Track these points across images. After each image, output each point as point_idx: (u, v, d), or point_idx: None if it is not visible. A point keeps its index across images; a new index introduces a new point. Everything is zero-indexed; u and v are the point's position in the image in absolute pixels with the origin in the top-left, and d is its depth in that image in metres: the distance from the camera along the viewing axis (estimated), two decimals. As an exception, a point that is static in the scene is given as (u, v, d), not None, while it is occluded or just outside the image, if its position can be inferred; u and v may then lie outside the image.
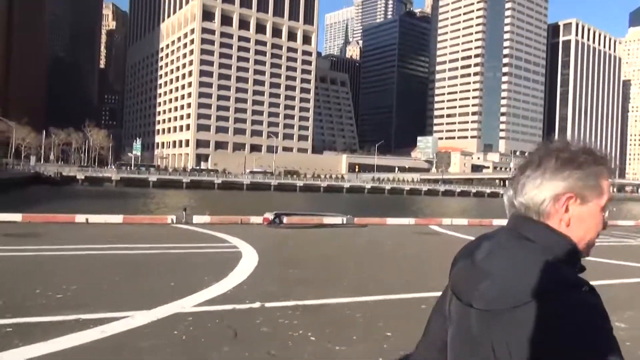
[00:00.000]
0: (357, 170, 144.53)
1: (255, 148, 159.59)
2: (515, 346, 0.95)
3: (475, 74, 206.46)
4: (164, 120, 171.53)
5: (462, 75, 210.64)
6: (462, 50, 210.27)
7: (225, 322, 6.01)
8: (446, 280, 1.19)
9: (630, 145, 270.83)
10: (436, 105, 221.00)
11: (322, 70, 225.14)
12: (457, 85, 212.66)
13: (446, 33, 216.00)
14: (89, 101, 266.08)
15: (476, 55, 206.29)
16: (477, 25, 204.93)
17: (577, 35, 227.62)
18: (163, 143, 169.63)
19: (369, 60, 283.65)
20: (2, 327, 5.43)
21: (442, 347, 1.16)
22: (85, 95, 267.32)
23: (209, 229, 15.73)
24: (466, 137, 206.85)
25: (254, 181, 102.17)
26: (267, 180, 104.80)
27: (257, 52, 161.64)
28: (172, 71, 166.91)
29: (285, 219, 18.07)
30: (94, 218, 16.20)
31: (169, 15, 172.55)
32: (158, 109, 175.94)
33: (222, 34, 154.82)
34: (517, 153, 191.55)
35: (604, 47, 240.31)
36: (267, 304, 7.01)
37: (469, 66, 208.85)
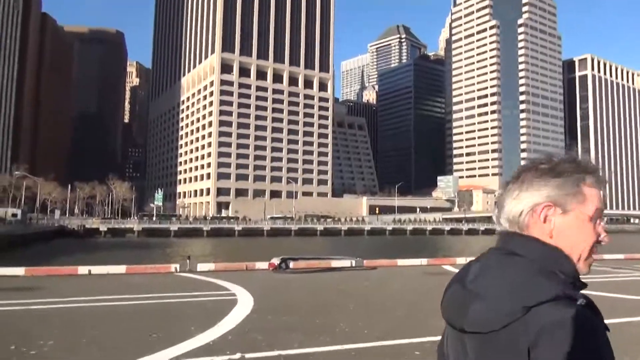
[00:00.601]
0: (377, 212, 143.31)
1: (275, 194, 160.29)
2: None
3: (493, 112, 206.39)
4: (185, 170, 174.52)
5: (480, 114, 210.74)
6: (478, 90, 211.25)
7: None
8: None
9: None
10: (455, 145, 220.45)
11: (339, 115, 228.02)
12: (474, 124, 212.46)
13: (461, 74, 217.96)
14: (113, 155, 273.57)
15: (492, 94, 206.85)
16: (491, 65, 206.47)
17: (593, 70, 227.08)
18: (185, 192, 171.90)
19: (386, 103, 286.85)
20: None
21: None
22: (110, 150, 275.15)
23: (212, 276, 15.44)
24: (487, 175, 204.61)
25: (274, 227, 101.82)
26: (287, 226, 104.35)
27: (274, 101, 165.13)
28: (192, 122, 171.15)
29: (291, 264, 17.66)
30: (97, 269, 16.08)
31: (189, 70, 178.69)
32: (179, 159, 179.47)
33: (240, 85, 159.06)
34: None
35: (622, 79, 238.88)
36: (248, 355, 6.65)
37: (485, 105, 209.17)
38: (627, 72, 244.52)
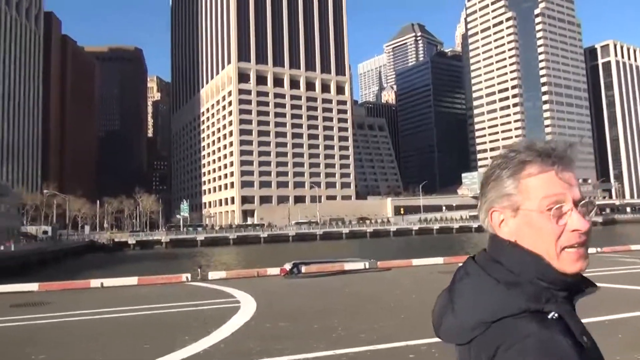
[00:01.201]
0: (402, 212, 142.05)
1: (299, 199, 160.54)
2: None
3: (515, 104, 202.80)
4: (209, 181, 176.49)
5: (502, 108, 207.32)
6: (498, 83, 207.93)
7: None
8: None
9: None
10: (478, 140, 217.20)
11: (359, 117, 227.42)
12: (497, 118, 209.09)
13: (479, 68, 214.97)
14: (139, 169, 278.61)
15: (513, 87, 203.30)
16: (510, 57, 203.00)
17: (616, 55, 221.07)
18: (210, 202, 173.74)
19: (405, 102, 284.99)
20: None
21: None
22: (135, 164, 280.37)
23: (222, 284, 15.42)
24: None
25: (299, 232, 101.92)
26: (312, 230, 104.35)
27: (293, 107, 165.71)
28: (213, 133, 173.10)
29: (303, 268, 17.50)
30: (109, 282, 16.25)
31: (207, 82, 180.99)
32: (203, 170, 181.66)
33: (258, 93, 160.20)
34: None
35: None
36: (236, 363, 6.50)
37: (507, 98, 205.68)
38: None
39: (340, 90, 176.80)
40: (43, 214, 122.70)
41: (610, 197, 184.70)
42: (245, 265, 36.91)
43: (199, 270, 17.12)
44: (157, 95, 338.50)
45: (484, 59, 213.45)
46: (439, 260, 21.16)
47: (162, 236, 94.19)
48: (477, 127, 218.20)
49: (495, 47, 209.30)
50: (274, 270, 18.03)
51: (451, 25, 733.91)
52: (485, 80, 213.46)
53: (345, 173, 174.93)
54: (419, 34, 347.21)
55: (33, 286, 15.38)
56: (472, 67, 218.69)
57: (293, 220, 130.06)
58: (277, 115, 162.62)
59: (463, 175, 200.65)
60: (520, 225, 0.94)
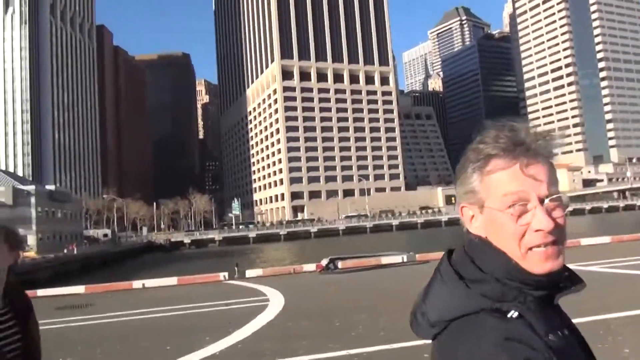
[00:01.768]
0: (453, 202, 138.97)
1: (348, 193, 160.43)
2: None
3: (570, 84, 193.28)
4: (259, 178, 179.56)
5: (555, 88, 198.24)
6: (550, 63, 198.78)
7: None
8: None
9: None
10: (531, 123, 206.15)
11: (405, 107, 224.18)
12: (550, 99, 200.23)
13: (530, 48, 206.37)
14: (192, 170, 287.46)
15: (567, 65, 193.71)
16: (563, 34, 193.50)
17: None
18: (260, 200, 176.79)
19: (453, 89, 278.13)
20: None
21: None
22: (188, 166, 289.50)
23: (257, 282, 15.58)
24: (571, 152, 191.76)
25: (349, 225, 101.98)
26: (362, 224, 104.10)
27: (337, 101, 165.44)
28: (261, 131, 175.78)
29: (340, 264, 17.39)
30: (151, 282, 16.77)
31: (252, 81, 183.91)
32: (252, 168, 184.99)
33: (303, 89, 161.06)
34: (634, 160, 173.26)
35: None
36: (247, 365, 6.50)
37: (560, 77, 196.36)
38: None
39: (384, 81, 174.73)
40: (105, 218, 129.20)
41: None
42: (295, 261, 37.26)
43: (235, 268, 17.37)
44: (205, 98, 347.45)
45: (534, 38, 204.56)
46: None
47: (215, 235, 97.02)
48: (529, 109, 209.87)
49: (546, 25, 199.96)
50: (310, 267, 18.04)
51: (498, 6, 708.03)
52: (537, 60, 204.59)
53: (393, 164, 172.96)
54: (464, 17, 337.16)
55: (80, 289, 16.15)
56: (522, 48, 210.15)
57: (343, 214, 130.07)
58: (322, 110, 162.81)
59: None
60: (486, 223, 0.92)
